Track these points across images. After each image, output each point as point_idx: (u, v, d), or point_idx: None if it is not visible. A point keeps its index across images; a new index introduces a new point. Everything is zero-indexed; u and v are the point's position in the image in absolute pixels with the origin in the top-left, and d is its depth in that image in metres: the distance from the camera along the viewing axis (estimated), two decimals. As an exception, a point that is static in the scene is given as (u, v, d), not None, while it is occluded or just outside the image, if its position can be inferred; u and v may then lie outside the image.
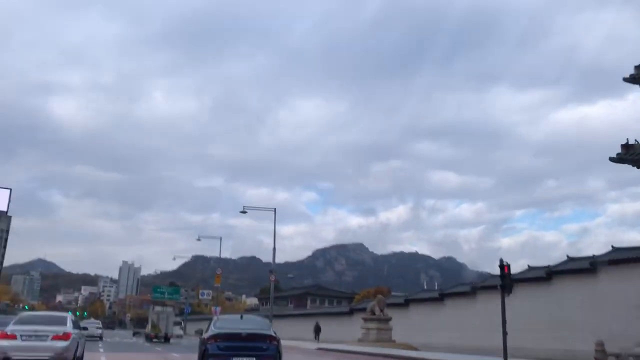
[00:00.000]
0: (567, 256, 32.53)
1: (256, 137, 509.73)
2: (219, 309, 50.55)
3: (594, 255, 29.61)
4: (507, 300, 33.98)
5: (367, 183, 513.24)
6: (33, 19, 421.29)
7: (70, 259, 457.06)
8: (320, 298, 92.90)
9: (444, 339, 37.55)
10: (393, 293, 72.96)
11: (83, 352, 16.74)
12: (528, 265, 34.01)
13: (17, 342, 12.87)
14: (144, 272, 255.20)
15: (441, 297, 39.65)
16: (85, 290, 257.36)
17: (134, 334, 61.25)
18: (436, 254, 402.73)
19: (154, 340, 41.59)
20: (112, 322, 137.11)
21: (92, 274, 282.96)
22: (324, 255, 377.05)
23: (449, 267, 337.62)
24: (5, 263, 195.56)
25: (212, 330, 12.37)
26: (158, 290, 69.04)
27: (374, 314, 30.89)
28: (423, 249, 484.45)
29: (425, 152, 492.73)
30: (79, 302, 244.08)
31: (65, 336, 13.33)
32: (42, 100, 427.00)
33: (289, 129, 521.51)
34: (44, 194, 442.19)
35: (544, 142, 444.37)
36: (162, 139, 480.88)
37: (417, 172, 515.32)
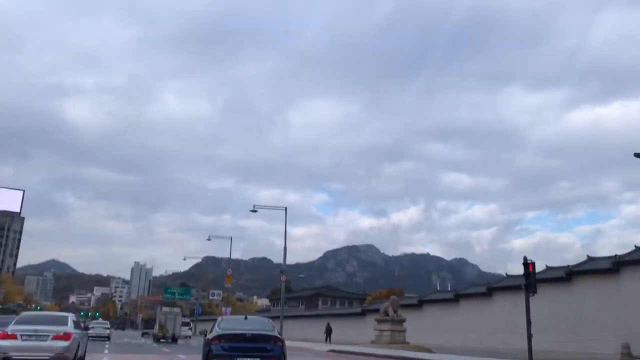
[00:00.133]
0: (588, 256, 31.50)
1: (267, 139, 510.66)
2: (229, 309, 49.96)
3: (616, 255, 28.55)
4: (522, 302, 33.12)
5: (378, 184, 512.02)
6: (47, 23, 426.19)
7: (83, 260, 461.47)
8: (332, 299, 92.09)
9: (458, 340, 36.63)
10: (405, 294, 71.90)
11: (85, 352, 16.48)
12: (546, 266, 32.96)
13: (17, 342, 12.69)
14: (156, 273, 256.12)
15: (456, 298, 38.70)
16: (98, 291, 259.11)
17: (143, 335, 61.16)
18: (448, 255, 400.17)
19: (162, 340, 41.50)
20: (122, 322, 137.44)
21: (105, 275, 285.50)
22: (335, 257, 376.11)
23: (461, 269, 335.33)
24: (20, 264, 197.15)
25: (217, 331, 12.27)
26: (169, 290, 68.69)
27: (387, 315, 29.99)
28: (435, 250, 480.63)
29: (437, 153, 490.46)
30: (92, 302, 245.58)
31: (65, 336, 13.10)
32: (56, 103, 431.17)
33: (300, 131, 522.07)
34: (58, 196, 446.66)
35: (557, 143, 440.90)
36: (174, 141, 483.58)
37: (429, 174, 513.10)
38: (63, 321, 13.98)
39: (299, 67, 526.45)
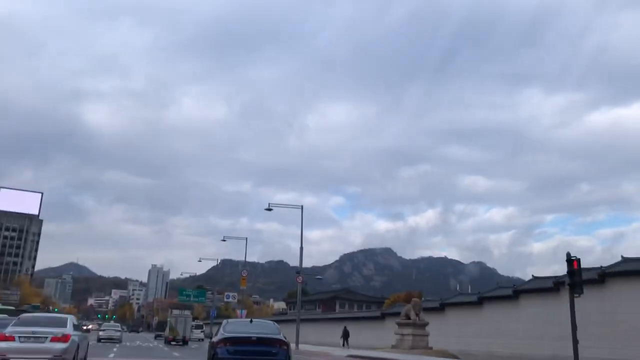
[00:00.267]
0: (622, 257, 29.72)
1: (284, 142, 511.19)
2: (244, 312, 48.96)
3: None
4: (551, 304, 31.51)
5: (395, 187, 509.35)
6: (67, 28, 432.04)
7: (102, 263, 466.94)
8: (349, 302, 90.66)
9: (483, 345, 35.08)
10: (424, 298, 70.16)
11: (86, 354, 16.33)
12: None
13: (15, 344, 12.59)
14: (173, 276, 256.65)
15: (480, 301, 37.08)
16: (116, 294, 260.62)
17: (156, 337, 60.79)
18: (466, 259, 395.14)
19: (172, 343, 41.68)
20: (136, 325, 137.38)
21: (123, 277, 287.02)
22: (352, 260, 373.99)
23: (479, 272, 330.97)
24: (40, 267, 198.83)
25: (222, 334, 12.19)
26: (184, 293, 67.90)
27: (409, 318, 28.54)
28: (452, 253, 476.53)
29: (454, 155, 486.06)
30: (110, 305, 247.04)
31: (64, 338, 12.94)
32: (76, 107, 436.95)
33: (317, 134, 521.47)
34: (77, 199, 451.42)
35: (577, 145, 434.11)
36: (191, 145, 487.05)
37: (446, 176, 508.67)
38: (62, 323, 13.77)
39: (316, 71, 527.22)
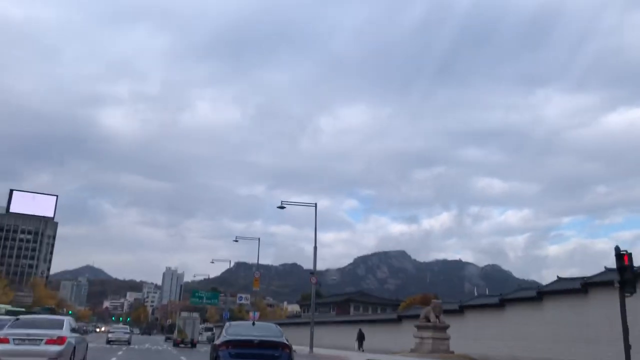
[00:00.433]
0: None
1: (298, 145, 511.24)
2: (257, 314, 47.85)
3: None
4: (578, 306, 29.94)
5: (409, 190, 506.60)
6: (83, 33, 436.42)
7: (118, 265, 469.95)
8: (364, 305, 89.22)
9: (504, 349, 33.56)
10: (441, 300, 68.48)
11: (84, 357, 16.28)
12: (605, 267, 29.63)
13: (9, 346, 12.45)
14: (187, 278, 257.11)
15: (501, 303, 35.52)
16: (131, 297, 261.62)
17: (166, 340, 60.34)
18: (480, 261, 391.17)
19: (181, 345, 41.59)
20: (149, 327, 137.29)
21: (138, 280, 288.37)
22: (366, 263, 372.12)
23: (494, 275, 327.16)
24: (56, 269, 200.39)
25: (224, 337, 12.19)
26: (196, 295, 67.03)
27: (428, 320, 27.20)
28: (467, 256, 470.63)
29: (469, 158, 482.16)
30: (125, 308, 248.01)
31: (59, 340, 12.77)
32: (92, 111, 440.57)
33: (331, 137, 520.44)
34: (93, 203, 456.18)
35: (593, 146, 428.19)
36: (206, 148, 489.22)
37: (460, 179, 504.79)
38: (58, 325, 13.62)
39: (330, 73, 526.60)
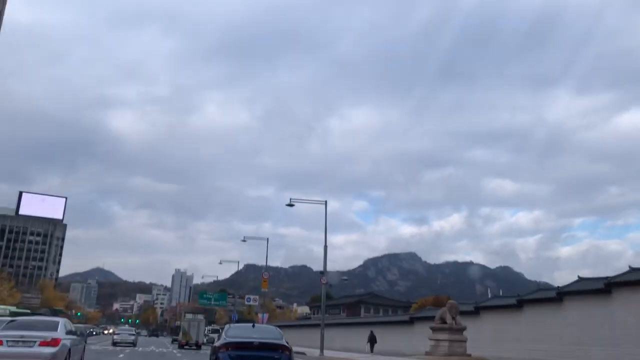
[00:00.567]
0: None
1: (307, 146, 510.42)
2: (266, 316, 46.89)
3: None
4: (601, 307, 28.60)
5: (419, 191, 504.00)
6: (91, 36, 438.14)
7: (127, 267, 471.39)
8: (375, 307, 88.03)
9: (523, 352, 32.26)
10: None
11: (81, 359, 16.26)
12: (630, 267, 28.31)
13: (2, 348, 12.53)
14: (197, 280, 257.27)
15: (519, 304, 34.22)
16: (140, 299, 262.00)
17: (173, 341, 59.80)
18: (492, 263, 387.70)
19: (185, 347, 41.40)
20: (156, 329, 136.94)
21: (147, 282, 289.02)
22: (376, 265, 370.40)
23: (505, 277, 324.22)
24: (67, 272, 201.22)
25: (224, 339, 12.10)
26: (204, 296, 66.46)
27: (444, 322, 26.00)
28: (478, 258, 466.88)
29: (480, 159, 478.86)
30: (134, 309, 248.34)
31: (53, 342, 12.71)
32: (101, 114, 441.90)
33: (340, 138, 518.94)
34: (103, 205, 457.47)
35: (606, 147, 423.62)
36: (215, 150, 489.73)
37: (471, 180, 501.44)
38: (53, 327, 13.56)
39: (338, 75, 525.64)
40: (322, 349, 33.84)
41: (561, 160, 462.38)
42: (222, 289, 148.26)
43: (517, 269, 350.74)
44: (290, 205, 32.69)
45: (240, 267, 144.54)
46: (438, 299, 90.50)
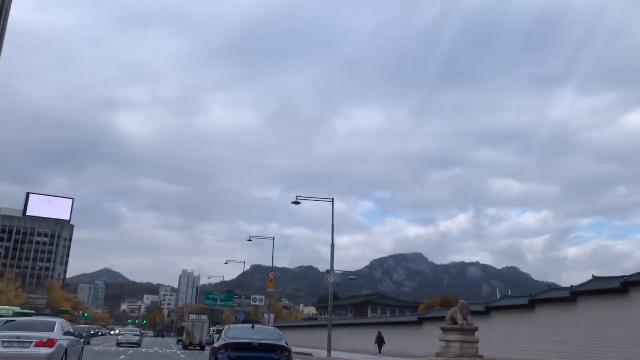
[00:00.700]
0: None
1: (313, 147, 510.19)
2: (272, 316, 46.34)
3: None
4: (617, 307, 27.80)
5: (425, 192, 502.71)
6: (99, 38, 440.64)
7: (135, 268, 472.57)
8: (382, 307, 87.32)
9: (535, 353, 31.50)
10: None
11: None
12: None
13: None
14: (204, 281, 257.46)
15: (531, 304, 33.46)
16: (148, 300, 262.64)
17: (178, 342, 59.62)
18: (499, 264, 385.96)
19: (189, 348, 41.38)
20: (162, 330, 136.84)
21: (155, 283, 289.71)
22: (382, 266, 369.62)
23: (512, 278, 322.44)
24: (75, 273, 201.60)
25: (224, 340, 12.10)
26: (210, 296, 66.13)
27: (455, 322, 25.19)
28: (485, 259, 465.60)
29: (484, 159, 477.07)
30: (142, 310, 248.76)
31: (49, 343, 12.56)
32: (108, 115, 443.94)
33: (346, 139, 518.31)
34: (111, 207, 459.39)
35: (613, 147, 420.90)
36: (221, 151, 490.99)
37: (477, 180, 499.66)
38: (49, 327, 13.39)
39: (343, 76, 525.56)
40: (329, 350, 33.25)
41: (567, 161, 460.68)
42: (229, 289, 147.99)
43: (524, 269, 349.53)
44: (297, 202, 32.21)
45: (247, 268, 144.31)
46: (446, 299, 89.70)
